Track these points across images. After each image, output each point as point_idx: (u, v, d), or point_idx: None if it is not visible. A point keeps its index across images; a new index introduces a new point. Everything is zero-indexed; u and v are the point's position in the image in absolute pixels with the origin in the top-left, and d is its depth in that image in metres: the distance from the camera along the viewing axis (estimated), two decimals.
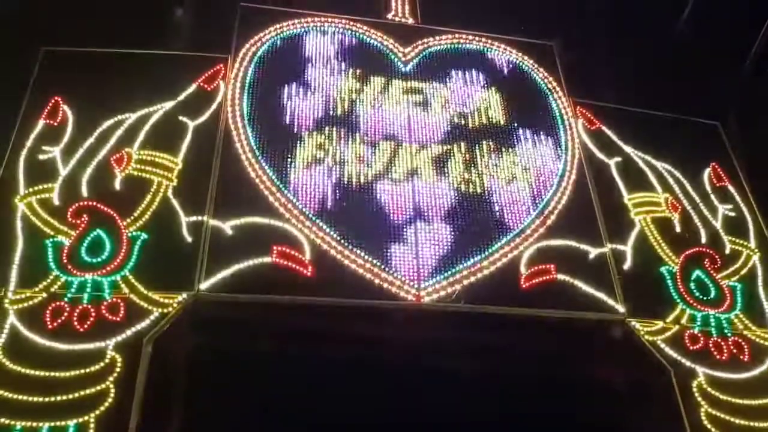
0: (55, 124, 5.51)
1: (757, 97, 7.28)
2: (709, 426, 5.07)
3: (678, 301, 5.72)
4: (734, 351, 5.50)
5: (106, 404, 4.32)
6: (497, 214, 5.94)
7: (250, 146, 5.75)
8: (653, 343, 5.44)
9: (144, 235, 5.04)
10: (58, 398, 4.27)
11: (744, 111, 7.30)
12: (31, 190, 5.11)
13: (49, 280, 4.73)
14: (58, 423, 4.19)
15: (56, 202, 5.09)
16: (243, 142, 5.76)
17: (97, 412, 4.28)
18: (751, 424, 5.11)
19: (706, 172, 6.80)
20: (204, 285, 4.95)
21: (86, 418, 4.25)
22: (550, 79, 7.12)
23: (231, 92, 6.05)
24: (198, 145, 5.64)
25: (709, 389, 5.25)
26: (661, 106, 7.23)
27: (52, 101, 5.60)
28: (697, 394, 5.21)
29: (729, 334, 5.60)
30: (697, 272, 5.91)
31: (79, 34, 6.11)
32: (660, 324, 5.55)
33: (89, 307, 4.66)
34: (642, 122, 7.08)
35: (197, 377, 4.82)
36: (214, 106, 5.91)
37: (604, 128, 6.86)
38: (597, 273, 5.75)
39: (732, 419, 5.12)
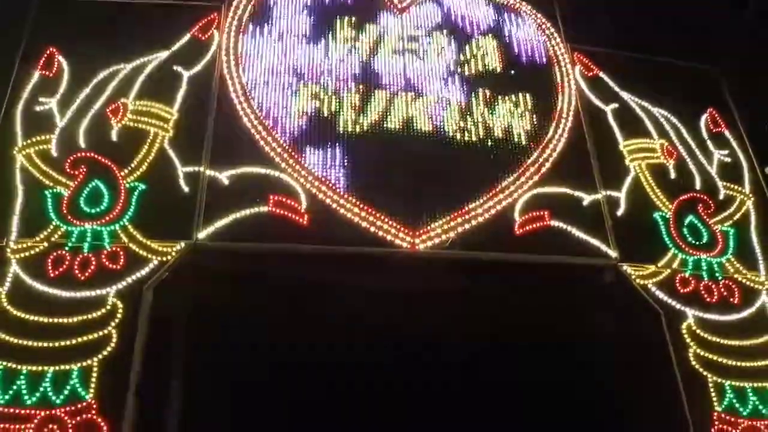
0: (51, 75, 5.53)
1: (755, 42, 7.19)
2: (696, 366, 5.19)
3: (670, 246, 5.79)
4: (724, 294, 5.58)
5: (109, 349, 4.46)
6: (492, 161, 5.97)
7: (245, 96, 5.77)
8: (644, 287, 5.52)
9: (141, 186, 5.12)
10: (62, 343, 4.41)
11: (743, 56, 7.21)
12: (29, 141, 5.17)
13: (49, 230, 4.83)
14: (62, 367, 4.34)
15: (54, 153, 5.15)
16: (238, 91, 5.78)
17: (100, 356, 4.42)
18: (738, 364, 5.23)
19: (703, 118, 6.79)
20: (201, 234, 5.04)
21: (89, 362, 4.39)
22: (548, 25, 7.06)
23: (225, 41, 6.04)
24: (193, 95, 5.67)
25: (698, 331, 5.35)
26: (659, 52, 7.16)
27: (47, 52, 5.61)
28: (686, 336, 5.32)
29: (720, 278, 5.68)
30: (691, 217, 5.96)
31: None
32: (651, 268, 5.63)
33: (90, 255, 4.77)
34: (640, 68, 7.02)
35: (197, 323, 4.95)
36: (208, 56, 5.92)
37: (601, 74, 6.82)
38: (591, 219, 5.80)
39: (719, 359, 5.24)
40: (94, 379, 4.34)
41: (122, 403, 4.31)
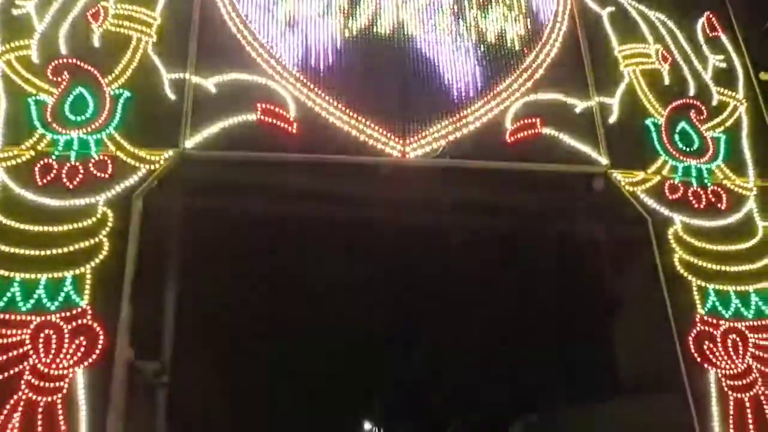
0: None
1: None
2: (681, 270, 5.26)
3: (661, 152, 5.76)
4: (712, 199, 5.60)
5: (101, 256, 4.50)
6: (485, 68, 5.86)
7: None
8: (633, 194, 5.53)
9: (126, 93, 5.03)
10: (54, 251, 4.44)
11: None
12: (8, 46, 5.02)
13: (35, 138, 4.78)
14: (55, 274, 4.39)
15: (35, 59, 5.02)
16: None
17: (93, 264, 4.46)
18: (723, 268, 5.30)
19: (700, 22, 6.62)
20: (189, 143, 5.00)
21: (82, 269, 4.44)
22: None
23: None
24: None
25: (684, 236, 5.41)
26: None
27: None
28: (672, 241, 5.37)
29: (709, 184, 5.69)
30: (682, 124, 5.90)
31: None
32: (641, 175, 5.63)
33: (77, 164, 4.73)
34: None
35: (187, 231, 4.98)
36: None
37: None
38: (583, 126, 5.74)
39: (704, 264, 5.31)
40: (87, 287, 4.39)
41: (117, 308, 4.39)
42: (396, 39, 5.80)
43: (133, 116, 4.98)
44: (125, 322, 4.42)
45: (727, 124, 6.05)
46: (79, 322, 4.29)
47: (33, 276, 4.36)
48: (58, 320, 4.26)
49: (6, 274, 4.34)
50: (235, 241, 5.04)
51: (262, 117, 5.20)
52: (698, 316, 5.10)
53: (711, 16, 6.68)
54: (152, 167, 4.84)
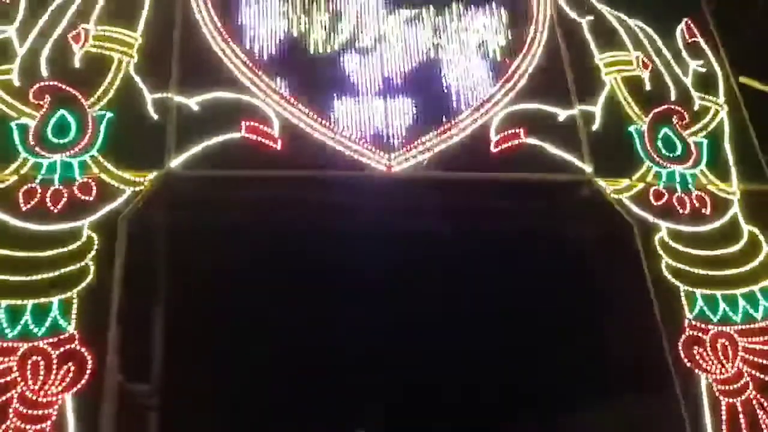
0: (7, 1, 5.30)
1: None
2: (669, 277, 5.28)
3: (645, 159, 5.80)
4: (696, 205, 5.64)
5: (87, 281, 4.45)
6: (467, 79, 5.89)
7: (210, 16, 5.59)
8: (618, 201, 5.57)
9: (109, 114, 5.00)
10: (40, 277, 4.39)
11: None
12: None
13: (18, 163, 4.73)
14: (42, 300, 4.34)
15: (16, 83, 4.99)
16: (203, 12, 5.59)
17: (79, 288, 4.42)
18: (709, 273, 5.33)
19: (679, 28, 6.70)
20: (174, 162, 4.98)
21: (69, 294, 4.39)
22: None
23: None
24: (156, 17, 5.47)
25: (670, 242, 5.43)
26: None
27: None
28: (659, 248, 5.39)
29: (692, 189, 5.74)
30: (665, 130, 5.95)
31: None
32: (626, 182, 5.67)
33: (61, 188, 4.69)
34: None
35: (173, 252, 4.95)
36: None
37: None
38: (566, 135, 5.78)
39: (691, 269, 5.33)
40: (74, 311, 4.34)
41: (104, 333, 4.34)
42: (378, 53, 5.82)
43: (116, 137, 4.95)
44: (113, 345, 4.36)
45: (709, 128, 6.11)
46: (67, 347, 4.23)
47: (19, 302, 4.30)
48: (45, 346, 4.21)
49: None
50: (224, 259, 5.02)
51: (247, 134, 5.19)
52: (686, 321, 5.13)
53: (689, 21, 6.76)
54: (137, 188, 4.82)
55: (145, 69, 5.24)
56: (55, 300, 4.35)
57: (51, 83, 5.00)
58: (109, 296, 4.45)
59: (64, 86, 5.00)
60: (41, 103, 4.92)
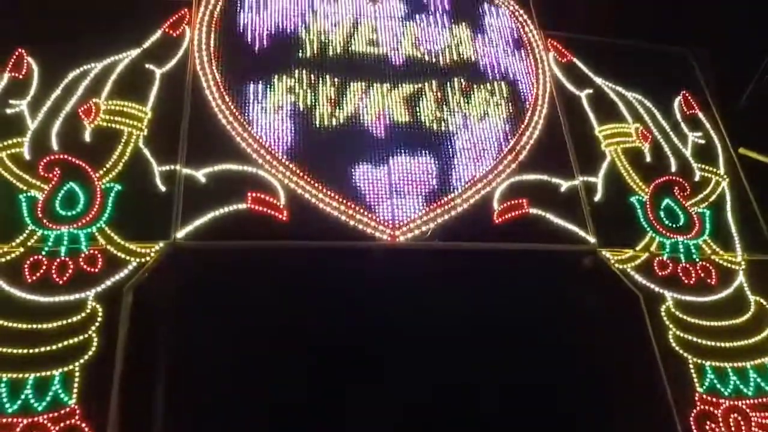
0: (20, 76, 5.42)
1: (726, 23, 7.26)
2: (677, 348, 5.25)
3: (648, 229, 5.85)
4: (702, 275, 5.65)
5: (90, 353, 4.42)
6: (470, 151, 5.98)
7: (219, 92, 5.71)
8: (623, 271, 5.58)
9: (117, 186, 5.05)
10: (42, 349, 4.36)
11: (714, 37, 7.28)
12: (0, 144, 5.07)
13: (25, 235, 4.75)
14: (43, 373, 4.29)
15: (27, 156, 5.06)
16: (212, 87, 5.71)
17: (81, 361, 4.38)
18: (718, 344, 5.30)
19: (677, 101, 6.85)
20: (180, 233, 5.00)
21: (71, 367, 4.35)
22: (521, 12, 7.06)
23: (197, 37, 5.96)
24: (166, 92, 5.60)
25: (677, 313, 5.42)
26: (631, 36, 7.22)
27: (16, 53, 5.50)
28: (665, 318, 5.38)
29: (697, 260, 5.75)
30: (667, 200, 6.01)
31: None
32: (630, 252, 5.69)
33: (67, 259, 4.71)
34: (613, 52, 7.09)
35: (178, 324, 4.92)
36: (180, 53, 5.85)
37: (575, 60, 6.85)
38: (569, 205, 5.85)
39: (699, 340, 5.30)
40: (76, 385, 4.30)
41: (106, 407, 4.27)
42: (382, 126, 5.92)
43: (123, 209, 4.99)
44: (114, 420, 4.29)
45: (711, 199, 6.18)
46: (68, 422, 4.18)
47: (20, 375, 4.26)
48: (45, 421, 4.15)
49: None
50: (229, 331, 4.97)
51: (253, 206, 5.23)
52: (697, 394, 5.05)
53: (687, 94, 6.92)
54: (143, 260, 4.83)
55: (153, 142, 5.33)
56: (57, 373, 4.31)
57: (61, 156, 5.07)
58: (111, 369, 4.40)
59: (73, 159, 5.07)
60: (50, 175, 4.98)
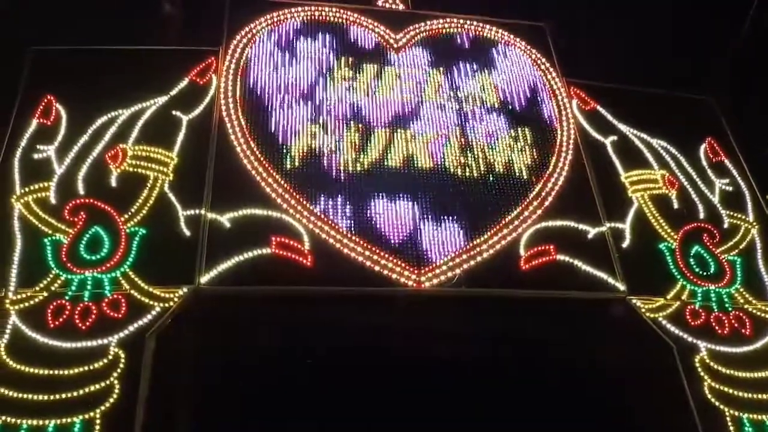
0: (49, 123, 5.49)
1: (748, 69, 7.27)
2: (713, 399, 5.09)
3: (678, 277, 5.73)
4: (736, 325, 5.51)
5: (112, 400, 4.34)
6: (495, 197, 5.94)
7: (245, 138, 5.74)
8: (655, 320, 5.45)
9: (142, 231, 5.04)
10: (63, 396, 4.28)
11: (738, 84, 7.28)
12: (27, 189, 5.09)
13: (49, 279, 4.73)
14: (64, 420, 4.21)
15: (53, 200, 5.08)
16: (237, 134, 5.75)
17: (103, 408, 4.30)
18: (755, 396, 5.13)
19: (702, 148, 6.80)
20: (204, 278, 4.95)
21: (92, 414, 4.27)
22: (543, 60, 7.10)
23: (224, 85, 6.02)
24: (192, 139, 5.63)
25: (711, 363, 5.27)
26: (654, 84, 7.22)
27: (45, 100, 5.58)
28: (699, 369, 5.22)
29: (730, 309, 5.61)
30: (697, 247, 5.91)
31: (68, 32, 6.09)
32: (661, 301, 5.56)
33: (90, 304, 4.66)
34: (636, 100, 7.06)
35: (201, 370, 4.84)
36: (207, 100, 5.90)
37: (598, 108, 6.84)
38: (596, 252, 5.75)
39: (735, 392, 5.14)
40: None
41: None
42: (406, 172, 5.91)
43: (148, 253, 4.97)
44: None
45: (741, 246, 6.07)
46: None
47: (41, 422, 4.18)
48: None
49: (12, 420, 4.16)
50: (253, 377, 4.88)
51: (277, 251, 5.19)
52: None
53: (712, 140, 6.87)
54: (166, 305, 4.77)
55: (179, 186, 5.33)
56: (77, 420, 4.22)
57: (86, 201, 5.08)
58: (132, 416, 4.31)
59: (99, 203, 5.08)
60: (76, 219, 4.98)
